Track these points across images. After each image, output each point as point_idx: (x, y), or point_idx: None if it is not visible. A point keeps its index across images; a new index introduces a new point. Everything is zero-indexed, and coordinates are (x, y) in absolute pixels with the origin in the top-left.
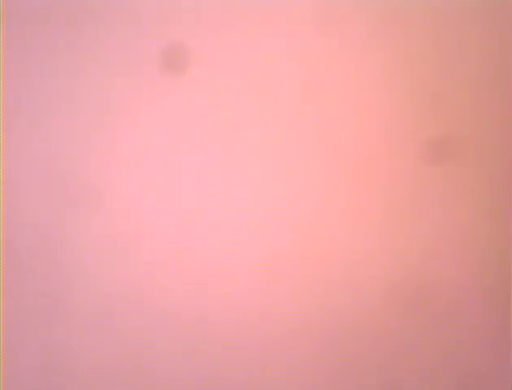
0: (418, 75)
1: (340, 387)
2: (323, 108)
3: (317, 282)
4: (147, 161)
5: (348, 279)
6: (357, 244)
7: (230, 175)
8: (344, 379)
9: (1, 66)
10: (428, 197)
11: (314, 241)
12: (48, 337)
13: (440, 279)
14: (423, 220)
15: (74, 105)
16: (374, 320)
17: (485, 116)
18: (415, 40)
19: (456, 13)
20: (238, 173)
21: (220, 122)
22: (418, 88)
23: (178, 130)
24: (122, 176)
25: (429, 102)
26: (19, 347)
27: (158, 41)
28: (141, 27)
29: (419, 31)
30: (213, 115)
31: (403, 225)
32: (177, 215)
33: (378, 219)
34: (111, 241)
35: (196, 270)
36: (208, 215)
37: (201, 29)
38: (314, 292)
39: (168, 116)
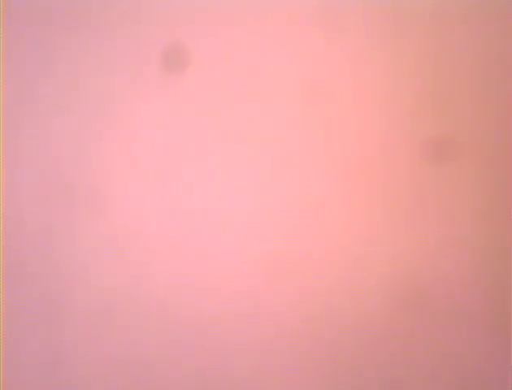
0: (419, 76)
1: (340, 387)
2: (323, 108)
3: (317, 282)
4: (147, 161)
5: (347, 279)
6: (356, 245)
7: (230, 177)
8: (345, 378)
9: (1, 66)
10: (428, 198)
11: (313, 241)
12: (48, 336)
13: (440, 279)
14: (422, 220)
15: (74, 105)
16: (373, 320)
17: (485, 116)
18: (416, 40)
19: (456, 13)
20: (238, 174)
21: (221, 122)
22: (418, 89)
23: (178, 130)
24: (122, 176)
25: (429, 102)
26: (20, 346)
27: (158, 41)
28: (141, 27)
29: (420, 31)
30: (213, 116)
31: (403, 225)
32: (177, 215)
33: (378, 219)
34: (112, 241)
35: (196, 270)
36: (208, 215)
37: (201, 29)
38: (313, 291)
39: (169, 116)
